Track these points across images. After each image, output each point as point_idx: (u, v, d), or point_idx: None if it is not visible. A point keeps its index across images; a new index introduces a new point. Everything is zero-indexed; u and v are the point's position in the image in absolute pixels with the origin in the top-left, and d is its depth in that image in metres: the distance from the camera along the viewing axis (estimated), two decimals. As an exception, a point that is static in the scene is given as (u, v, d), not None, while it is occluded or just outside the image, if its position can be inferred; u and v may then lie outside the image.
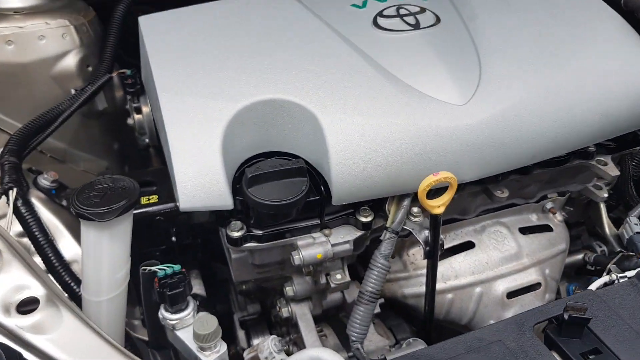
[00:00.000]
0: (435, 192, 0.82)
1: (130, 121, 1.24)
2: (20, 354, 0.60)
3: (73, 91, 1.20)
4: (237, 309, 1.27)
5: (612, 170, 1.10)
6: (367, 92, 0.89)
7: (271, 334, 1.21)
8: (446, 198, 0.83)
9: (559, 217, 1.19)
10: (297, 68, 0.90)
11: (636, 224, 1.21)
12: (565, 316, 0.73)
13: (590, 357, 0.72)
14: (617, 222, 1.34)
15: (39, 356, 0.60)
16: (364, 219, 0.91)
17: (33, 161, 1.13)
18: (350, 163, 0.85)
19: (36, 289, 0.65)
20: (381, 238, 0.91)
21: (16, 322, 0.62)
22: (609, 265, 1.16)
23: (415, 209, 0.92)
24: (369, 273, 0.89)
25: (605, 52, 1.03)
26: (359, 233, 0.92)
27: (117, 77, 1.22)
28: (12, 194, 0.96)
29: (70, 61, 1.20)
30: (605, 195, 1.18)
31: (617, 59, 1.03)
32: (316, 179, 0.88)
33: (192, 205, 0.80)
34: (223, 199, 0.81)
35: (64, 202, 1.06)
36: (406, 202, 0.91)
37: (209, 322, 0.77)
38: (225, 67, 0.90)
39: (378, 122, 0.86)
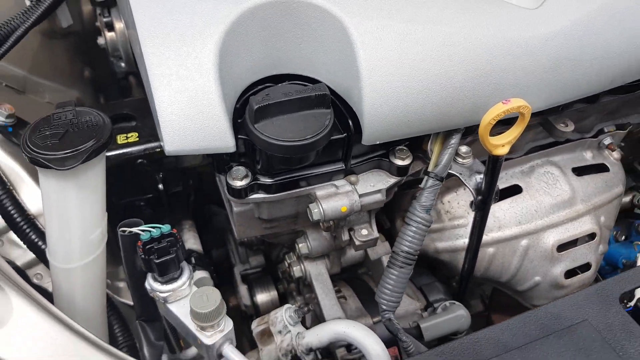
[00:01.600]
0: (497, 124, 0.64)
1: (101, 41, 1.01)
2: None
3: (28, 2, 0.96)
4: (238, 261, 1.12)
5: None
6: (409, -6, 0.67)
7: (277, 290, 1.06)
8: (514, 135, 0.64)
9: (616, 154, 1.01)
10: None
11: (701, 164, 1.05)
12: (668, 288, 0.57)
13: None
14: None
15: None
16: (400, 162, 0.72)
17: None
18: (389, 89, 0.64)
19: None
20: (421, 186, 0.72)
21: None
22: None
23: (463, 149, 0.74)
24: (405, 229, 0.71)
25: None
26: (393, 180, 0.73)
27: (82, -15, 0.98)
28: (-46, 133, 0.76)
29: (21, -37, 0.95)
30: (677, 129, 1.00)
31: None
32: (341, 111, 0.68)
33: (182, 147, 0.61)
34: (221, 138, 0.62)
35: (24, 142, 0.86)
36: (454, 140, 0.72)
37: (210, 297, 0.60)
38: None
39: (426, 33, 0.65)
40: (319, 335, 0.68)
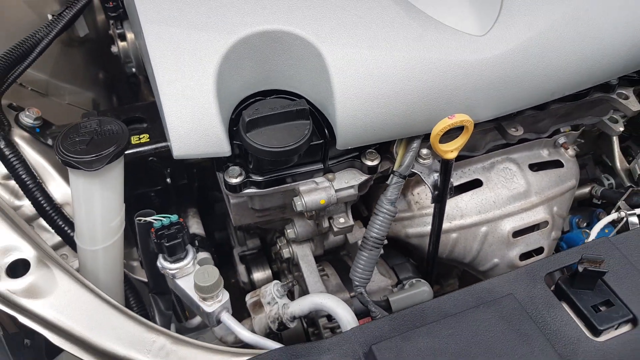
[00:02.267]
0: (446, 133, 0.77)
1: (114, 49, 1.14)
2: (15, 319, 0.57)
3: (50, 16, 1.09)
4: (237, 244, 1.26)
5: (634, 105, 1.04)
6: (378, 21, 0.80)
7: (272, 269, 1.20)
8: (460, 142, 0.77)
9: (570, 152, 1.14)
10: (297, -6, 0.80)
11: (649, 159, 1.18)
12: (580, 269, 0.70)
13: (601, 308, 0.71)
14: (625, 154, 1.30)
15: (36, 321, 0.57)
16: (370, 163, 0.86)
17: (13, 96, 1.05)
18: (357, 103, 0.78)
19: (26, 251, 0.61)
20: (388, 182, 0.86)
21: (7, 286, 0.58)
22: (618, 203, 1.13)
23: (424, 151, 0.87)
24: (374, 218, 0.85)
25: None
26: (364, 177, 0.87)
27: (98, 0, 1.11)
28: (-7, 134, 0.90)
29: (44, -18, 1.08)
30: (621, 129, 1.12)
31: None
32: (319, 121, 0.81)
33: (187, 152, 0.75)
34: (219, 145, 0.75)
35: (50, 141, 0.99)
36: (415, 145, 0.86)
37: (210, 274, 0.74)
38: (217, -6, 0.80)
39: (388, 56, 0.78)
40: (300, 306, 0.82)
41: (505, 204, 1.04)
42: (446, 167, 0.81)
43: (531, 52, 0.83)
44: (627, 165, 1.25)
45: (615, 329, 0.70)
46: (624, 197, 1.15)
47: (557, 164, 1.12)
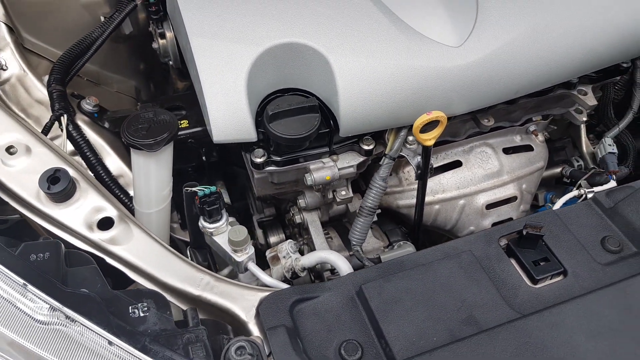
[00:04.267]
0: (428, 124, 0.97)
1: (155, 45, 1.34)
2: (103, 259, 0.80)
3: (102, 18, 1.29)
4: (255, 211, 1.48)
5: (590, 100, 1.23)
6: (373, 35, 1.00)
7: (285, 234, 1.43)
8: (436, 133, 0.98)
9: (540, 137, 1.34)
10: (310, 13, 1.00)
11: (610, 145, 1.37)
12: (524, 232, 0.91)
13: (541, 263, 0.92)
14: (599, 138, 1.49)
15: (118, 261, 0.80)
16: (366, 147, 1.07)
17: (72, 85, 1.26)
18: (356, 100, 0.99)
19: (110, 211, 0.84)
20: (380, 163, 1.07)
21: (98, 236, 0.81)
22: (580, 181, 1.34)
23: (410, 138, 1.08)
24: (368, 191, 1.07)
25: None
26: (361, 158, 1.08)
27: (141, 4, 1.31)
28: (64, 120, 1.11)
29: (97, -12, 1.28)
30: (585, 119, 1.31)
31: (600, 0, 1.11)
32: (326, 114, 1.02)
33: (224, 138, 0.96)
34: (248, 132, 0.97)
35: (106, 124, 1.21)
36: (403, 133, 1.06)
37: (241, 232, 0.97)
38: (247, 12, 1.00)
39: (381, 64, 0.99)
40: (309, 259, 1.04)
41: (481, 181, 1.25)
42: (426, 152, 1.01)
43: (498, 60, 1.03)
44: (592, 149, 1.44)
45: (550, 279, 0.91)
46: (586, 176, 1.35)
47: (528, 148, 1.32)
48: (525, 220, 0.96)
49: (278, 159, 1.04)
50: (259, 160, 1.03)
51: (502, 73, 1.04)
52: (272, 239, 1.43)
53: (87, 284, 0.71)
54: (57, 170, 0.82)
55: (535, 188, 1.35)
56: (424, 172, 1.06)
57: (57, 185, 0.81)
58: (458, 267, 0.89)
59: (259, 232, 1.45)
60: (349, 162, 1.08)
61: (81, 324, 0.65)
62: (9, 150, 0.85)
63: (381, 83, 0.98)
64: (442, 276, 0.87)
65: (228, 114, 0.95)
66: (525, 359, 0.73)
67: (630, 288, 0.84)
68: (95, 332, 0.65)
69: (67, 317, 0.66)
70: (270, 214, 1.46)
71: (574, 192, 1.29)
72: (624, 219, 0.98)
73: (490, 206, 1.26)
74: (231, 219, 1.20)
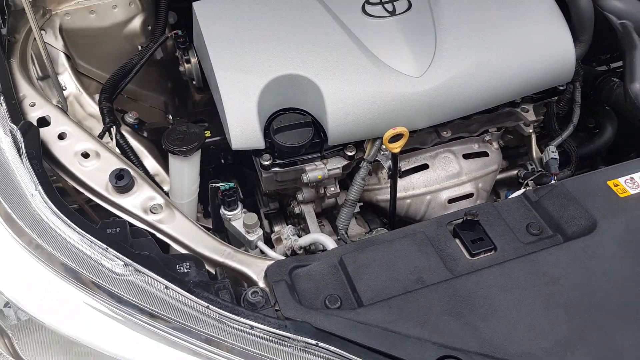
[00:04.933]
0: (394, 137, 1.28)
1: (181, 69, 1.65)
2: (155, 235, 1.11)
3: (139, 47, 1.61)
4: (262, 205, 1.79)
5: (531, 116, 1.54)
6: (353, 68, 1.31)
7: (287, 223, 1.73)
8: (401, 143, 1.28)
9: (495, 145, 1.64)
10: (306, 50, 1.31)
11: (553, 152, 1.66)
12: (465, 218, 1.21)
13: (478, 242, 1.21)
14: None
15: (165, 236, 1.11)
16: (349, 153, 1.38)
17: (116, 101, 1.57)
18: (341, 117, 1.30)
19: (159, 199, 1.15)
20: (360, 165, 1.38)
21: (151, 218, 1.12)
22: (525, 182, 1.64)
23: (384, 147, 1.38)
24: (351, 188, 1.38)
25: (531, 30, 1.41)
26: (345, 162, 1.39)
27: (171, 35, 1.62)
28: (113, 130, 1.43)
29: (136, 23, 1.60)
30: (530, 131, 1.61)
31: (538, 35, 1.41)
32: (318, 128, 1.33)
33: (240, 146, 1.28)
34: (258, 142, 1.28)
35: (144, 134, 1.52)
36: (378, 142, 1.37)
37: (252, 217, 1.27)
38: (258, 49, 1.31)
39: (359, 90, 1.30)
40: (305, 240, 1.34)
41: (444, 181, 1.55)
42: (395, 157, 1.32)
43: (451, 86, 1.33)
44: (541, 155, 1.75)
45: (484, 253, 1.21)
46: (532, 177, 1.65)
47: (484, 154, 1.61)
48: (467, 209, 1.26)
49: (281, 162, 1.35)
50: (266, 163, 1.34)
51: (455, 97, 1.35)
52: (276, 228, 1.73)
53: (147, 249, 1.02)
54: (121, 169, 1.13)
55: (490, 187, 1.65)
56: (394, 173, 1.36)
57: (122, 181, 1.12)
58: (413, 243, 1.19)
59: (265, 222, 1.76)
60: (336, 164, 1.39)
61: (146, 274, 0.96)
62: (84, 155, 1.16)
63: (360, 105, 1.29)
64: (400, 249, 1.17)
65: (243, 128, 1.27)
66: (453, 306, 1.04)
67: (537, 258, 1.14)
68: (156, 280, 0.95)
69: (136, 270, 0.96)
70: (274, 207, 1.76)
71: (521, 191, 1.59)
72: (544, 209, 1.27)
73: (451, 201, 1.56)
74: (244, 209, 1.52)
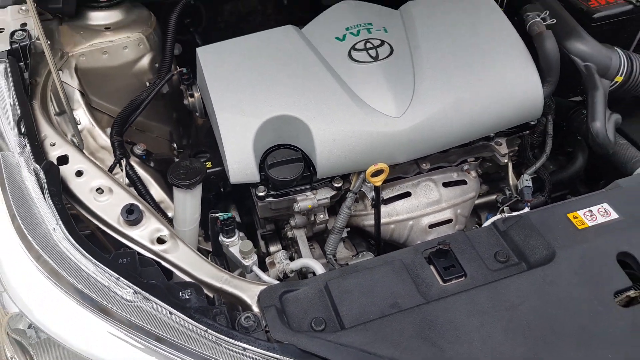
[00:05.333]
0: (376, 172, 1.42)
1: (185, 102, 1.80)
2: (159, 263, 1.26)
3: (147, 83, 1.75)
4: (259, 227, 1.93)
5: (504, 149, 1.68)
6: (339, 109, 1.45)
7: (281, 244, 1.87)
8: (382, 177, 1.42)
9: (473, 174, 1.78)
10: (297, 93, 1.46)
11: (527, 180, 1.79)
12: (437, 247, 1.35)
13: (450, 269, 1.34)
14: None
15: (169, 264, 1.26)
16: (336, 185, 1.52)
17: (125, 133, 1.72)
18: (328, 154, 1.44)
19: (165, 231, 1.29)
20: (346, 196, 1.53)
21: (157, 248, 1.27)
22: (502, 207, 1.78)
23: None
24: (337, 216, 1.52)
25: (503, 73, 1.55)
26: (333, 192, 1.53)
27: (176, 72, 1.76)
28: (124, 162, 1.57)
29: (145, 62, 1.75)
30: (505, 161, 1.75)
31: (509, 77, 1.55)
32: (308, 162, 1.48)
33: (238, 180, 1.42)
34: (254, 176, 1.43)
35: (151, 164, 1.67)
36: (362, 176, 1.51)
37: (248, 245, 1.41)
38: (254, 92, 1.46)
39: (345, 129, 1.44)
40: (295, 264, 1.48)
41: (425, 207, 1.69)
42: (377, 189, 1.46)
43: (428, 126, 1.47)
44: (516, 182, 1.88)
45: (455, 279, 1.34)
46: (508, 203, 1.79)
47: (462, 183, 1.75)
48: (440, 238, 1.39)
49: (274, 193, 1.49)
50: (261, 194, 1.48)
51: (432, 135, 1.49)
52: (272, 249, 1.87)
53: (154, 278, 1.16)
54: (132, 204, 1.28)
55: (469, 212, 1.79)
56: (377, 203, 1.51)
57: (132, 215, 1.26)
58: (391, 270, 1.33)
59: (261, 243, 1.90)
60: (324, 195, 1.53)
61: (153, 301, 1.10)
62: (99, 190, 1.31)
63: (345, 143, 1.44)
64: (380, 276, 1.31)
65: (240, 164, 1.41)
66: (423, 329, 1.17)
67: (501, 285, 1.27)
68: (162, 306, 1.10)
69: (144, 297, 1.11)
70: (270, 229, 1.90)
71: (498, 216, 1.73)
72: (511, 239, 1.40)
73: (432, 226, 1.70)
74: (241, 234, 1.66)
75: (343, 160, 1.45)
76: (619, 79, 1.64)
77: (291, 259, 1.62)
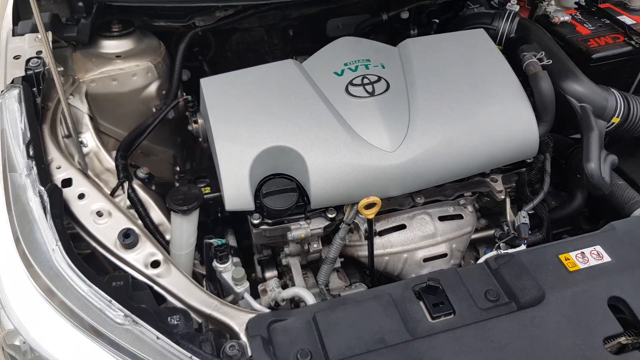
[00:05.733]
0: (368, 204, 1.44)
1: (190, 127, 1.85)
2: (152, 287, 1.29)
3: (154, 109, 1.81)
4: (256, 252, 1.95)
5: (499, 186, 1.69)
6: (334, 141, 1.48)
7: (277, 270, 1.89)
8: (375, 210, 1.45)
9: (470, 208, 1.79)
10: (292, 125, 1.50)
11: (524, 217, 1.80)
12: (427, 283, 1.36)
13: (439, 306, 1.35)
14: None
15: (161, 289, 1.29)
16: (330, 215, 1.55)
17: (130, 157, 1.77)
18: (322, 185, 1.47)
19: (159, 256, 1.32)
20: (340, 227, 1.55)
21: (150, 272, 1.30)
22: (498, 243, 1.78)
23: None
24: (330, 246, 1.54)
25: (498, 111, 1.58)
26: (327, 222, 1.56)
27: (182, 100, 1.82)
28: (126, 185, 1.62)
29: (152, 89, 1.81)
30: (502, 196, 1.76)
31: (505, 115, 1.57)
32: (302, 192, 1.51)
33: (233, 208, 1.46)
34: (249, 204, 1.46)
35: (153, 187, 1.71)
36: (355, 207, 1.53)
37: (240, 271, 1.43)
38: (252, 122, 1.50)
39: (339, 161, 1.47)
40: (287, 293, 1.50)
41: (420, 241, 1.70)
42: (370, 222, 1.49)
43: (422, 161, 1.50)
44: (514, 218, 1.89)
45: (444, 316, 1.34)
46: (505, 240, 1.79)
47: (459, 217, 1.77)
48: (429, 275, 1.41)
49: (269, 221, 1.52)
50: (255, 222, 1.51)
51: (426, 170, 1.51)
52: (267, 274, 1.89)
53: (145, 302, 1.19)
54: (129, 229, 1.32)
55: (464, 247, 1.79)
56: (370, 235, 1.53)
57: (129, 239, 1.30)
58: (379, 305, 1.33)
59: (258, 268, 1.92)
60: (318, 225, 1.55)
61: (142, 325, 1.13)
62: (99, 213, 1.35)
63: (339, 175, 1.47)
64: (367, 310, 1.32)
65: (236, 191, 1.45)
66: (406, 365, 1.18)
67: (489, 325, 1.27)
68: (150, 331, 1.12)
69: (134, 321, 1.13)
70: (267, 254, 1.92)
71: (494, 252, 1.73)
72: (502, 278, 1.40)
73: (426, 260, 1.71)
74: (235, 260, 1.69)
75: (337, 191, 1.48)
76: (615, 120, 1.65)
77: (285, 286, 1.64)
